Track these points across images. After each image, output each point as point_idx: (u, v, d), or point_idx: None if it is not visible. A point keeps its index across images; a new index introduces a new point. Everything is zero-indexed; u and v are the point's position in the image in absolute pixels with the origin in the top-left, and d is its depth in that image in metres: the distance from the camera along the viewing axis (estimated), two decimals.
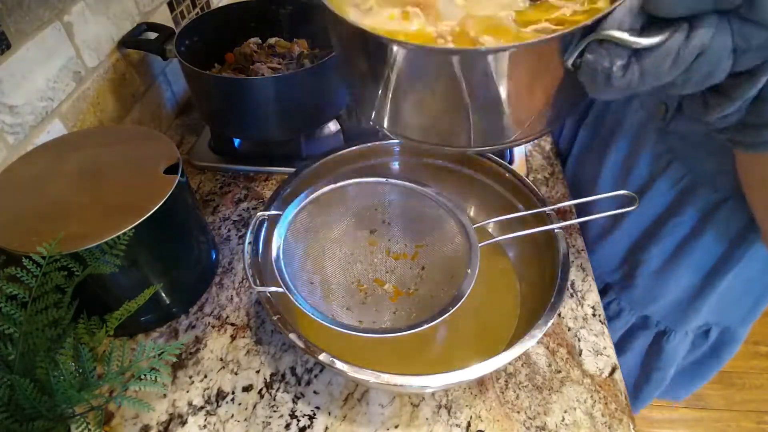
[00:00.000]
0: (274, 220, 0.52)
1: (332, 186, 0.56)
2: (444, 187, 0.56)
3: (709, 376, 0.80)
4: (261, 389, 0.53)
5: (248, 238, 0.51)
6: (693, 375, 0.81)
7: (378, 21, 0.37)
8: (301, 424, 0.50)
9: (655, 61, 0.30)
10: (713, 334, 0.73)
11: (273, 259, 0.49)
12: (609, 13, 0.30)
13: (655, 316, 0.72)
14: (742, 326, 0.72)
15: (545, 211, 0.55)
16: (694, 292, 0.65)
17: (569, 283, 0.62)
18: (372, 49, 0.36)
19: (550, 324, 0.45)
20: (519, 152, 0.79)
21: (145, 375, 0.41)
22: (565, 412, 0.51)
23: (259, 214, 0.52)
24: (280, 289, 0.46)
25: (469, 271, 0.49)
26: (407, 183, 0.57)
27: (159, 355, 0.41)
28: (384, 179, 0.57)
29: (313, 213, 0.56)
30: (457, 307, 0.46)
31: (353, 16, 0.37)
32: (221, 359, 0.55)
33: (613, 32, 0.30)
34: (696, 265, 0.62)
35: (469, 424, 0.50)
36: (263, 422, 0.50)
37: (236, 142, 0.81)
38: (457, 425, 0.50)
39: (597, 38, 0.31)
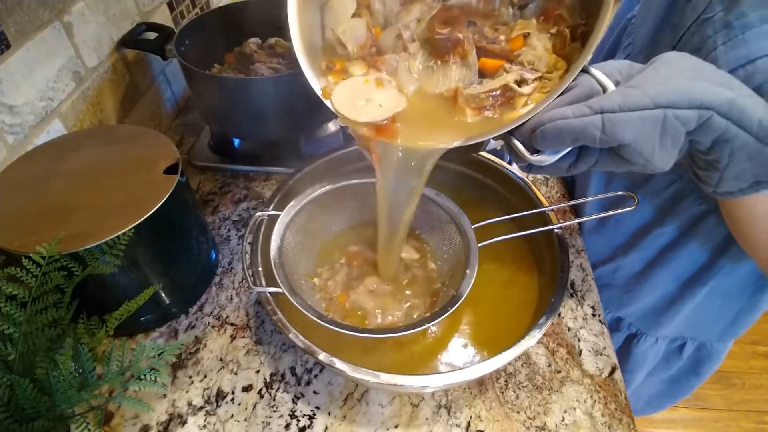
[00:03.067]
0: (273, 220, 0.52)
1: (331, 186, 0.56)
2: (443, 187, 0.56)
3: (690, 390, 0.80)
4: (261, 389, 0.53)
5: (247, 238, 0.51)
6: (675, 390, 0.81)
7: (357, 83, 0.43)
8: (300, 424, 0.50)
9: (551, 170, 0.37)
10: (688, 349, 0.72)
11: (272, 259, 0.49)
12: (523, 123, 0.35)
13: (629, 318, 0.72)
14: (720, 342, 0.71)
15: (545, 211, 0.55)
16: (671, 299, 0.65)
17: (569, 283, 0.62)
18: None
19: (549, 324, 0.45)
20: None
21: (144, 375, 0.41)
22: (565, 412, 0.51)
23: (258, 214, 0.52)
24: (279, 290, 0.46)
25: (468, 271, 0.49)
26: None
27: (159, 355, 0.41)
28: None
29: (312, 213, 0.56)
30: (456, 307, 0.46)
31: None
32: (221, 359, 0.55)
33: (517, 143, 0.36)
34: (675, 273, 0.62)
35: (468, 424, 0.50)
36: (263, 422, 0.50)
37: (236, 142, 0.81)
38: (456, 425, 0.50)
39: (507, 140, 0.37)
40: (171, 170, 0.51)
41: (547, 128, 0.33)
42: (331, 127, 0.82)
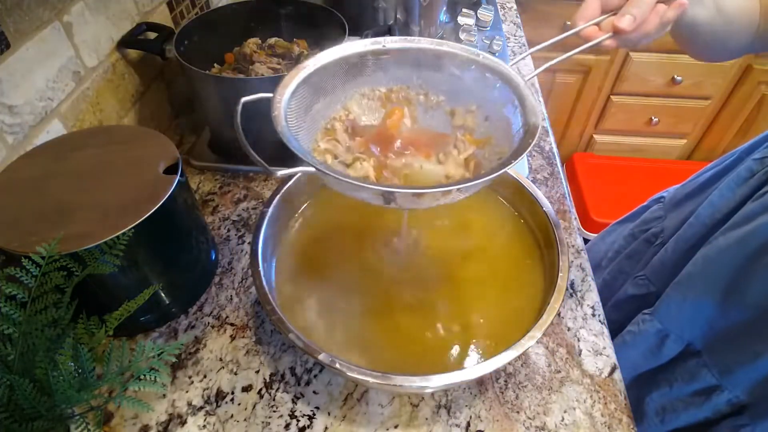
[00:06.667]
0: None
1: (328, 59, 0.47)
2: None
3: None
4: (260, 389, 0.53)
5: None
6: None
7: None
8: (300, 424, 0.50)
9: None
10: None
11: (280, 132, 0.42)
12: None
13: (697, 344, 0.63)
14: None
15: (545, 211, 0.55)
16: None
17: (569, 283, 0.62)
18: None
19: (549, 324, 0.45)
20: None
21: (144, 375, 0.41)
22: (565, 412, 0.51)
23: (243, 99, 0.45)
24: (301, 169, 0.40)
25: (524, 106, 0.43)
26: (423, 44, 0.48)
27: (158, 355, 0.41)
28: (381, 45, 0.48)
29: (309, 93, 0.48)
30: (532, 145, 0.40)
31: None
32: (221, 359, 0.55)
33: None
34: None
35: (468, 424, 0.50)
36: (263, 422, 0.50)
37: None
38: (456, 425, 0.50)
39: None
40: (171, 170, 0.51)
41: None
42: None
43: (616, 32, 0.46)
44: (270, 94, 0.44)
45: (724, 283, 0.58)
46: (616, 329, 0.60)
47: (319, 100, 0.48)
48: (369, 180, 0.45)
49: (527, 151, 0.40)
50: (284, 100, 0.44)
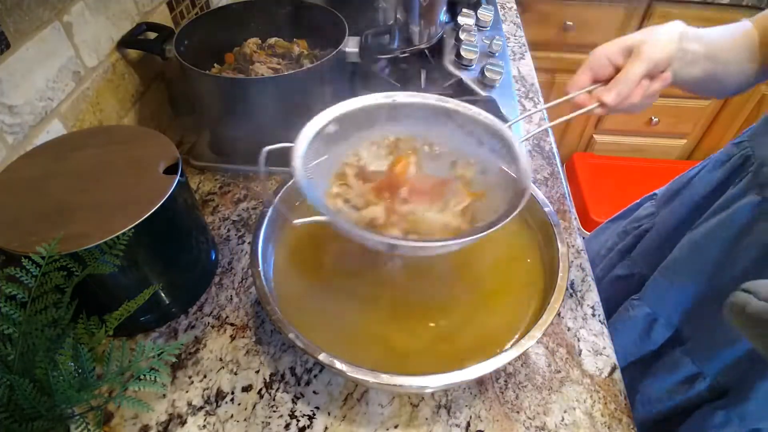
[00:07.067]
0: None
1: (344, 110, 0.51)
2: None
3: None
4: (260, 389, 0.53)
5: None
6: None
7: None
8: (300, 424, 0.50)
9: None
10: None
11: (297, 182, 0.45)
12: None
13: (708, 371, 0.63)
14: None
15: (545, 211, 0.55)
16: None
17: (569, 283, 0.62)
18: None
19: (549, 324, 0.45)
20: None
21: (144, 375, 0.41)
22: (565, 412, 0.51)
23: (266, 148, 0.48)
24: (317, 219, 0.43)
25: (520, 167, 0.46)
26: (428, 100, 0.52)
27: (158, 355, 0.41)
28: (391, 99, 0.52)
29: (323, 142, 0.52)
30: (519, 209, 0.44)
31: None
32: (221, 359, 0.55)
33: None
34: None
35: (468, 424, 0.50)
36: (263, 422, 0.50)
37: (236, 142, 0.81)
38: (456, 425, 0.50)
39: None
40: (171, 170, 0.51)
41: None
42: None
43: (602, 105, 0.50)
44: (291, 144, 0.48)
45: (709, 267, 0.60)
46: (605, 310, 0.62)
47: (332, 147, 0.52)
48: (377, 222, 0.48)
49: (515, 213, 0.44)
50: (302, 150, 0.48)
